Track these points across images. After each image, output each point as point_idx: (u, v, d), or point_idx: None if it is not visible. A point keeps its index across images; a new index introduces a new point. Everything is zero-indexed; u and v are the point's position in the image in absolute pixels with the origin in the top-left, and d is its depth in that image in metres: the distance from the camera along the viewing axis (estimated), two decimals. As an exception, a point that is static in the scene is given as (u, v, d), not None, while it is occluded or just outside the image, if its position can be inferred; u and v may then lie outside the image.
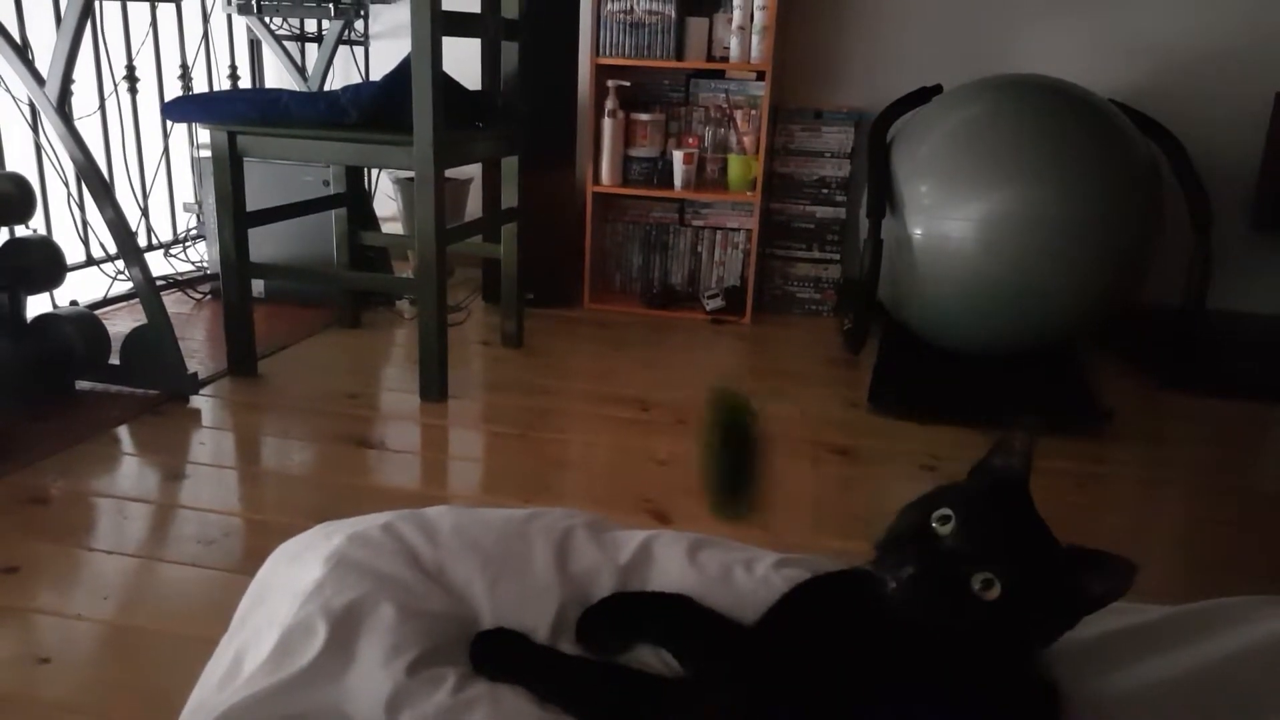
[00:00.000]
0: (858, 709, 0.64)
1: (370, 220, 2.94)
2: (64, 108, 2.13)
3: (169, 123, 3.10)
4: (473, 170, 3.24)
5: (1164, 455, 2.24)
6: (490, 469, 2.07)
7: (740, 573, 0.89)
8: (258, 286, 2.94)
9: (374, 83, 2.21)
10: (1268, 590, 0.93)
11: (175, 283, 3.09)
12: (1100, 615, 0.86)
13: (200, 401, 2.27)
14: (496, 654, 0.80)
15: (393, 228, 3.36)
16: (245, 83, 3.44)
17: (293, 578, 0.90)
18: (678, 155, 2.99)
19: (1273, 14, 2.86)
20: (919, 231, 2.45)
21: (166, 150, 3.15)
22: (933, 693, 0.64)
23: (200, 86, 3.27)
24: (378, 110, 2.15)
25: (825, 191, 3.10)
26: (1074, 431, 2.24)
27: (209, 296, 3.05)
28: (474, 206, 3.31)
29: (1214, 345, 2.72)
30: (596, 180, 3.05)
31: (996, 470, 0.70)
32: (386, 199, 3.46)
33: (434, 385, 2.28)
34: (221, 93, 2.77)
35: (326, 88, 3.00)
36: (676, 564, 0.91)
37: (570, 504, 1.02)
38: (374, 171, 3.41)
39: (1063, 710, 0.68)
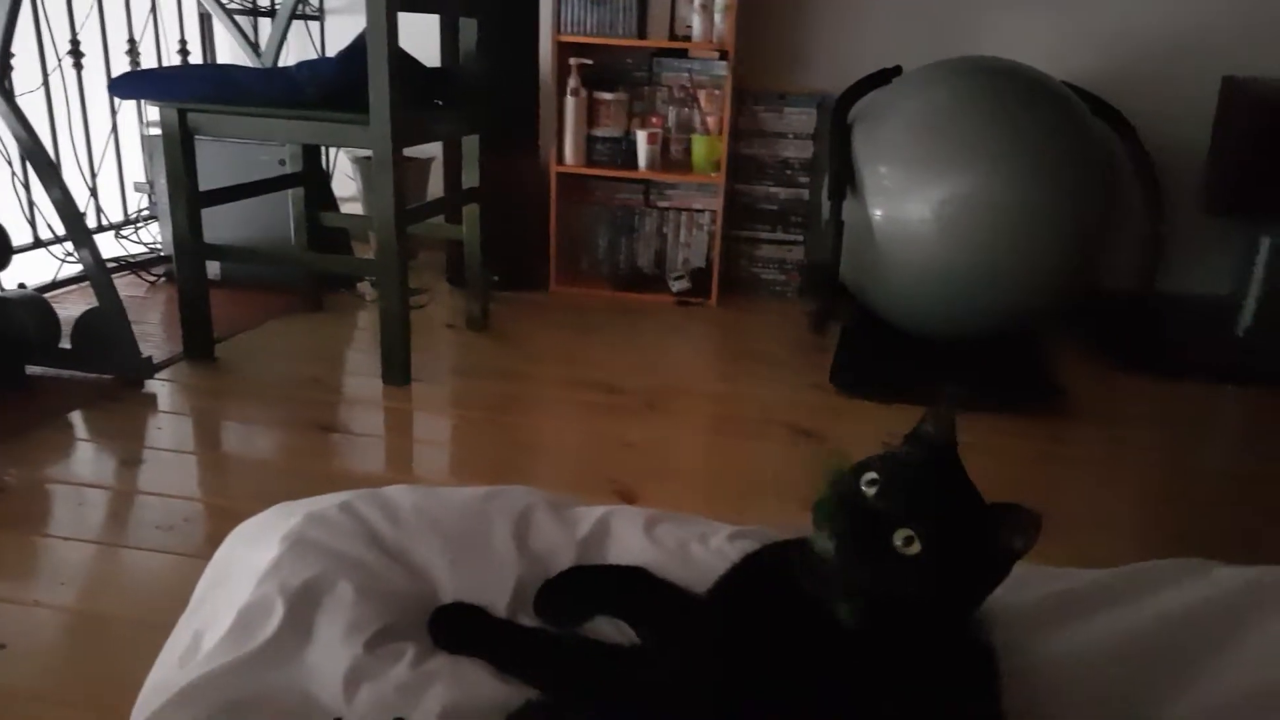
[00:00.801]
0: (802, 674, 0.66)
1: (329, 200, 2.91)
2: (3, 83, 2.07)
3: (117, 100, 3.03)
4: (434, 149, 3.20)
5: (1116, 433, 2.28)
6: (455, 453, 2.06)
7: (696, 546, 0.90)
8: (214, 268, 2.88)
9: (331, 59, 2.18)
10: (1210, 557, 0.96)
11: (128, 265, 3.03)
12: (1033, 579, 0.89)
13: (156, 386, 2.24)
14: (455, 628, 0.81)
15: (352, 208, 3.32)
16: (196, 58, 3.37)
17: (250, 558, 0.90)
18: (641, 135, 2.98)
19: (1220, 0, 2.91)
20: (880, 214, 2.47)
21: (115, 128, 3.08)
22: (872, 659, 0.66)
23: (149, 62, 3.19)
24: (336, 88, 2.12)
25: (789, 173, 3.11)
26: (1031, 411, 2.28)
27: (163, 279, 3.00)
28: (437, 187, 3.28)
29: (1164, 327, 2.77)
30: (560, 160, 3.04)
31: (927, 438, 0.72)
32: (346, 179, 3.41)
33: (397, 369, 2.27)
34: (172, 68, 2.72)
35: (281, 63, 2.95)
36: (634, 538, 0.92)
37: (538, 487, 1.02)
38: (332, 150, 3.36)
39: (1000, 672, 0.70)
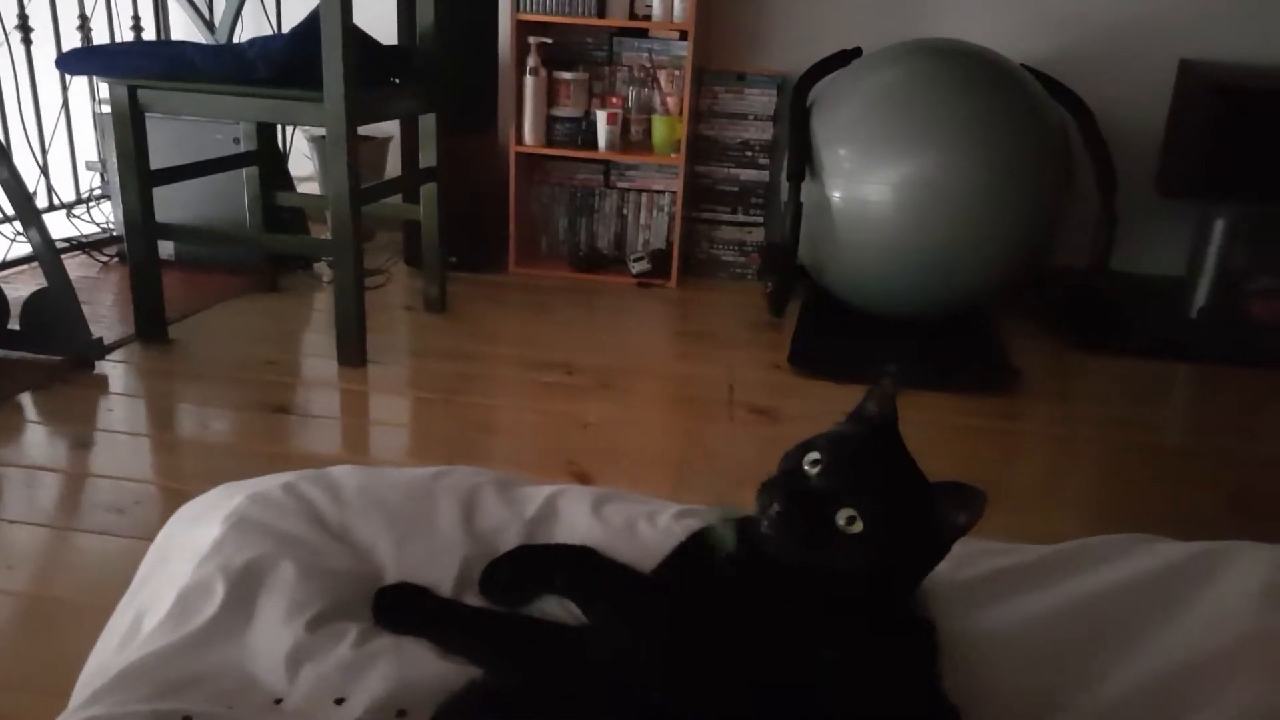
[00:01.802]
0: (745, 651, 0.66)
1: (284, 180, 2.87)
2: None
3: (67, 76, 2.97)
4: (393, 129, 3.17)
5: (1069, 411, 2.32)
6: (412, 434, 2.05)
7: (643, 525, 0.90)
8: (168, 249, 2.84)
9: (283, 35, 2.15)
10: (1160, 533, 0.98)
11: (80, 245, 2.98)
12: (979, 555, 0.90)
13: (107, 368, 2.20)
14: (399, 608, 0.81)
15: (310, 188, 3.28)
16: (149, 34, 3.31)
17: (192, 538, 0.89)
18: (601, 115, 2.97)
19: (1178, -18, 2.94)
20: (838, 195, 2.48)
21: (66, 104, 3.02)
22: (816, 635, 0.66)
23: (101, 38, 3.13)
24: (288, 65, 2.08)
25: (749, 154, 3.11)
26: (985, 390, 2.31)
27: (116, 259, 2.95)
28: (395, 167, 3.25)
29: (1117, 306, 2.81)
30: (519, 140, 3.02)
31: (869, 416, 0.73)
32: (304, 158, 3.37)
33: (352, 350, 2.25)
34: (121, 45, 2.67)
35: (236, 40, 2.90)
36: (582, 518, 0.92)
37: (494, 468, 1.01)
38: (290, 129, 3.32)
39: (941, 646, 0.71)
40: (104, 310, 2.56)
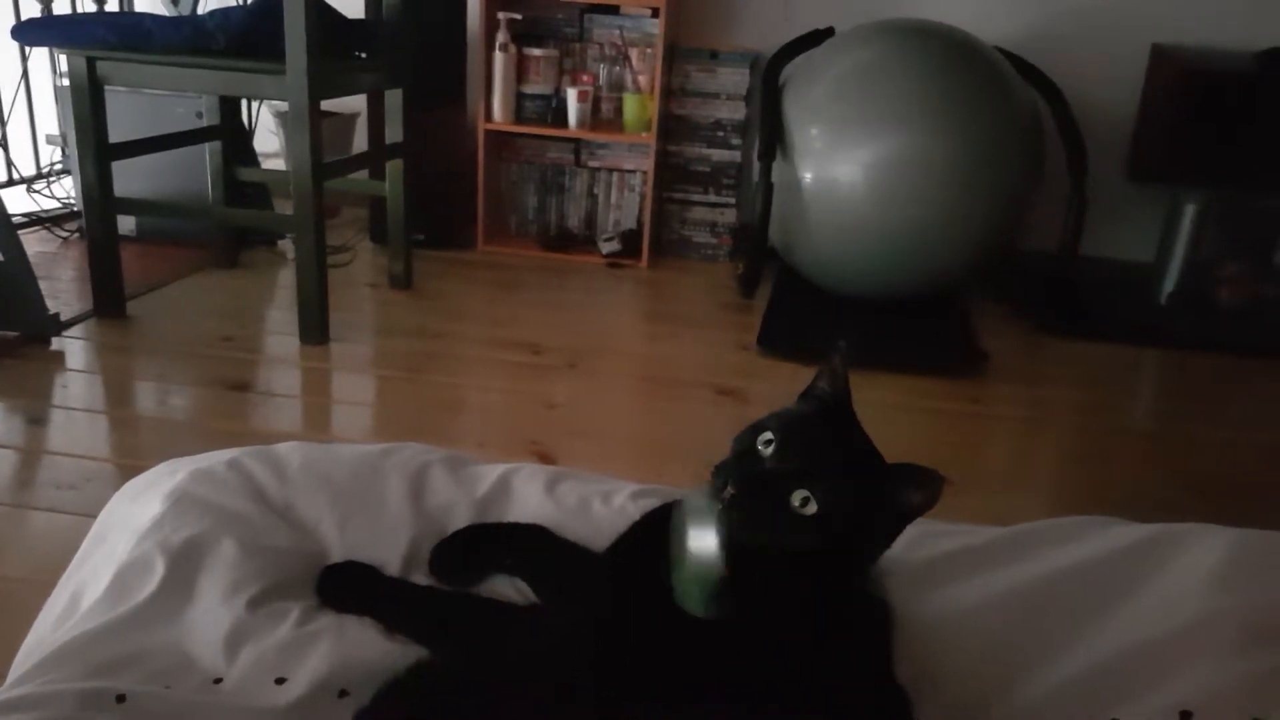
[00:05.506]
0: (693, 631, 0.65)
1: (249, 155, 2.82)
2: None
3: (28, 48, 2.90)
4: (360, 105, 3.12)
5: (1036, 395, 2.32)
6: (373, 413, 2.03)
7: (598, 504, 0.89)
8: (129, 224, 2.79)
9: (244, 6, 2.11)
10: (1124, 516, 0.97)
11: (40, 220, 2.92)
12: (935, 537, 0.89)
13: (63, 343, 2.16)
14: (344, 586, 0.79)
15: (277, 164, 3.23)
16: (113, 5, 3.23)
17: (133, 515, 0.87)
18: (572, 93, 2.94)
19: (1152, -33, 2.94)
20: (809, 175, 2.47)
21: (25, 75, 2.95)
22: (766, 615, 0.65)
23: (62, 8, 3.05)
24: (249, 36, 2.04)
25: (721, 134, 3.09)
26: (954, 373, 2.31)
27: (76, 235, 2.89)
28: (362, 143, 3.20)
29: (1086, 291, 2.82)
30: (489, 117, 2.98)
31: (822, 394, 0.72)
32: (269, 134, 3.31)
33: (314, 327, 2.21)
34: (79, 15, 2.60)
35: (200, 10, 2.84)
36: (535, 497, 0.90)
37: (456, 447, 0.99)
38: (255, 104, 3.26)
39: (894, 626, 0.70)
40: (63, 286, 2.51)
